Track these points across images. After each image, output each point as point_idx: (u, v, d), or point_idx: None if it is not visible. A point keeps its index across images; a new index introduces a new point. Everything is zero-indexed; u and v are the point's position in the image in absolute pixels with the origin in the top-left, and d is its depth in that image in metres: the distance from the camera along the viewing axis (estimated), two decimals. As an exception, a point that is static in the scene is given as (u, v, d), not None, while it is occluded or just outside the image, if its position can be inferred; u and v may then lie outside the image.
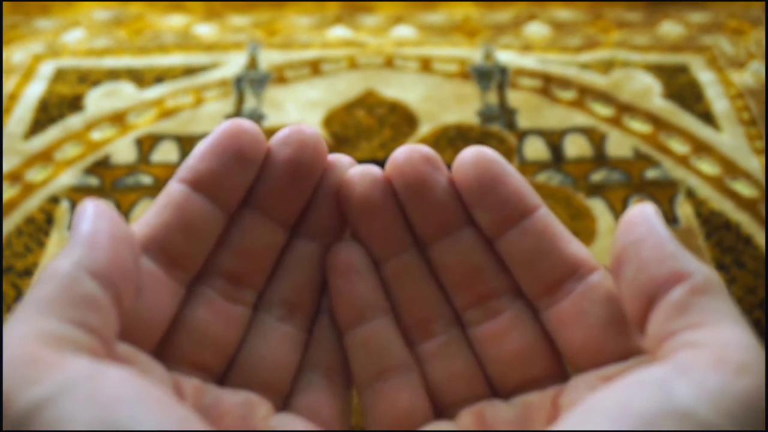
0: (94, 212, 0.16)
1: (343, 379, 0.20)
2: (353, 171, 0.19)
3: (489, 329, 0.19)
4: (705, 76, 0.56)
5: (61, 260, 0.15)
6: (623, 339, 0.18)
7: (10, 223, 0.44)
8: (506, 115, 0.52)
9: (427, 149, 0.19)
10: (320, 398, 0.19)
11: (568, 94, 0.54)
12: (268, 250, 0.20)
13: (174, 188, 0.18)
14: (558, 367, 0.19)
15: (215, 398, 0.18)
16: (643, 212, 0.17)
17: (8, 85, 0.56)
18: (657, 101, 0.53)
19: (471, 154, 0.19)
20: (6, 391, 0.13)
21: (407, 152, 0.19)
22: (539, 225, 0.19)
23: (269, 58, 0.58)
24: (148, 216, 0.18)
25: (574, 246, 0.19)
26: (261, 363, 0.19)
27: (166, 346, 0.18)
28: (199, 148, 0.19)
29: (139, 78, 0.57)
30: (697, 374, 0.14)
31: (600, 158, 0.48)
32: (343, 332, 0.20)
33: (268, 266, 0.20)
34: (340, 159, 0.20)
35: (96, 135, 0.51)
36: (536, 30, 0.62)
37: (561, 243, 0.19)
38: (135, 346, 0.17)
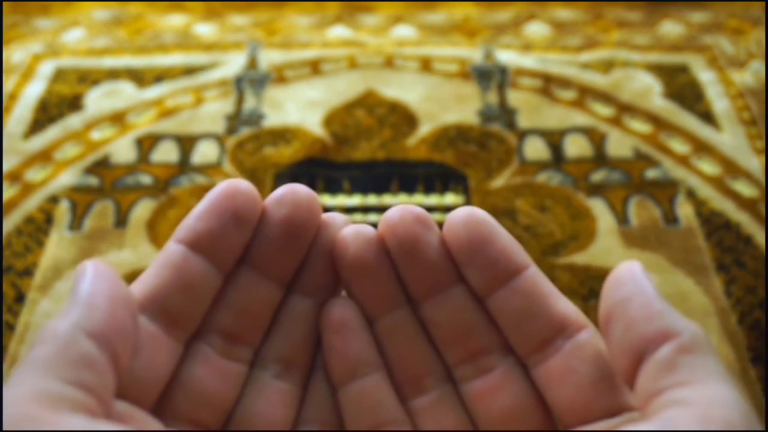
0: (93, 273, 0.16)
1: None
2: (346, 231, 0.20)
3: (480, 386, 0.20)
4: (705, 76, 0.56)
5: (59, 321, 0.15)
6: (612, 396, 0.18)
7: (9, 223, 0.44)
8: (506, 115, 0.52)
9: (419, 210, 0.19)
10: None
11: (568, 94, 0.54)
12: (264, 308, 0.20)
13: (172, 249, 0.19)
14: (548, 424, 0.19)
15: None
16: (631, 270, 0.17)
17: (8, 85, 0.56)
18: (657, 101, 0.53)
19: (462, 214, 0.19)
20: None
21: (400, 213, 0.19)
22: (528, 284, 0.19)
23: (269, 58, 0.58)
24: (147, 276, 0.19)
25: (562, 304, 0.19)
26: (257, 420, 0.19)
27: (164, 404, 0.18)
28: (197, 209, 0.19)
29: (139, 78, 0.57)
30: None
31: (600, 158, 0.48)
32: (336, 388, 0.20)
33: (264, 324, 0.20)
34: (334, 218, 0.20)
35: (96, 135, 0.51)
36: (536, 30, 0.62)
37: (549, 302, 0.19)
38: (133, 404, 0.17)
